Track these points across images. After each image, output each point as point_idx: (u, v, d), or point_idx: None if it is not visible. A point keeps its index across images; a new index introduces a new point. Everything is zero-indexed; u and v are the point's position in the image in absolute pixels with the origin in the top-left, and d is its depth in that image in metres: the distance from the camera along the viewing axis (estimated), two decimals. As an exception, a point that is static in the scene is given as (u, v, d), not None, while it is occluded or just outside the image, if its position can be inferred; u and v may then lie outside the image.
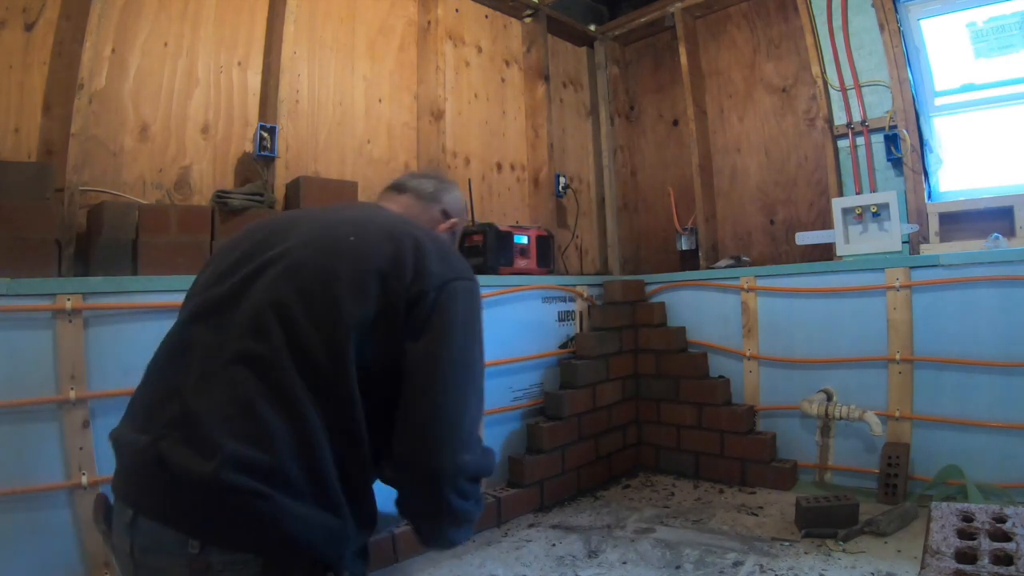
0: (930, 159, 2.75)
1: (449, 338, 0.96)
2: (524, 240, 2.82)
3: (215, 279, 1.00)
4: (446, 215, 1.29)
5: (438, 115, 2.87)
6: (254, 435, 0.83)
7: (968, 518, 1.40)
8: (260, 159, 2.26)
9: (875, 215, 2.65)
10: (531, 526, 2.36)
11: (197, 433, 0.83)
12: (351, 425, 0.89)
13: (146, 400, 0.94)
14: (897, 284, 2.47)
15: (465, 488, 0.95)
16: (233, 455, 0.81)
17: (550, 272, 2.96)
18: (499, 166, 3.26)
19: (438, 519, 0.97)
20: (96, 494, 1.02)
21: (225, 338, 0.91)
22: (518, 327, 2.70)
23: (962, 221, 2.58)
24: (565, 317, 2.94)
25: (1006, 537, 1.30)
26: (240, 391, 0.86)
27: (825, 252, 2.95)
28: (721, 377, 2.93)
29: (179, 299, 1.76)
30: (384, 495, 1.01)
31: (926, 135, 2.75)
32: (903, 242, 2.59)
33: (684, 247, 3.47)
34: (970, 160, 2.72)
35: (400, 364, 0.94)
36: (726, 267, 3.11)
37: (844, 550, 1.97)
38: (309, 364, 0.88)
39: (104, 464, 1.67)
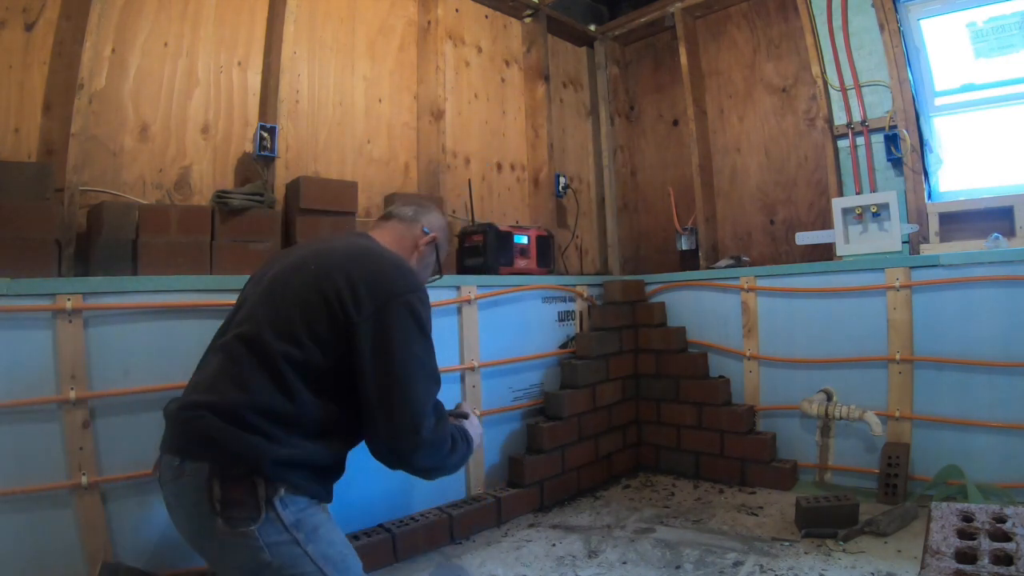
0: (930, 159, 2.75)
1: (390, 340, 1.29)
2: (524, 240, 2.82)
3: (231, 312, 1.45)
4: (426, 232, 1.59)
5: (438, 115, 2.87)
6: (209, 388, 1.25)
7: (968, 518, 1.40)
8: (260, 159, 2.26)
9: (875, 215, 2.65)
10: (531, 526, 2.36)
11: (186, 395, 1.31)
12: (282, 385, 1.24)
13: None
14: (897, 284, 2.47)
15: (422, 440, 1.29)
16: (188, 396, 1.28)
17: (550, 272, 2.96)
18: (499, 166, 3.26)
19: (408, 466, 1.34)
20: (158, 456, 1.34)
21: (217, 339, 1.38)
22: (518, 327, 2.70)
23: (962, 221, 2.58)
24: (565, 317, 2.94)
25: (1006, 537, 1.30)
26: (213, 368, 1.29)
27: (825, 252, 2.95)
28: (721, 377, 2.93)
29: (179, 299, 1.80)
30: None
31: (926, 135, 2.75)
32: (903, 242, 2.59)
33: (684, 247, 3.47)
34: (970, 160, 2.72)
35: (351, 358, 1.28)
36: (726, 267, 3.11)
37: (844, 550, 1.97)
38: (259, 344, 1.25)
39: (105, 464, 1.67)
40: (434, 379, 1.36)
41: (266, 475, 1.18)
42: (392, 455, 1.31)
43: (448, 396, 1.83)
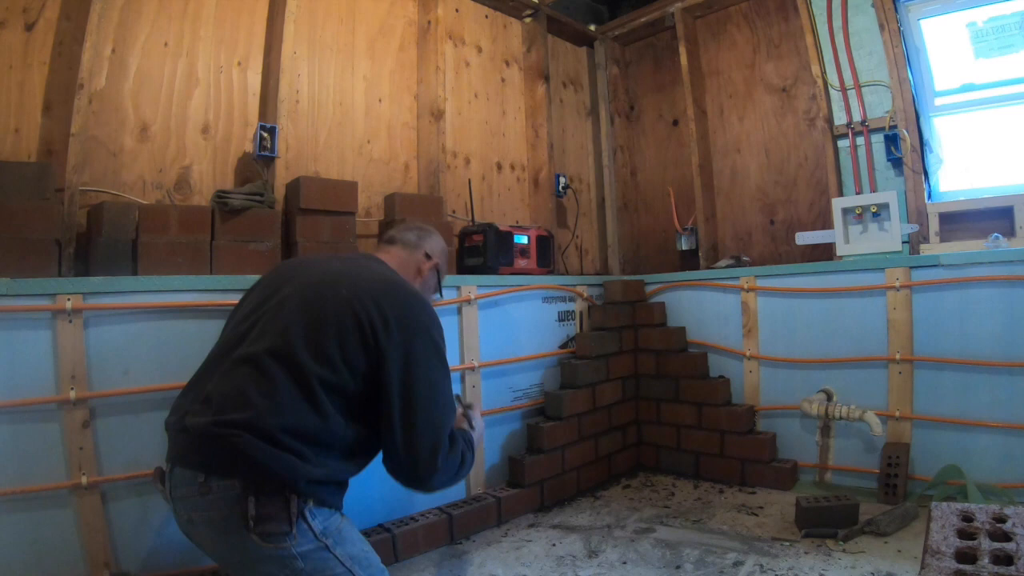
0: (930, 159, 2.74)
1: (415, 373, 1.35)
2: (524, 240, 2.82)
3: (240, 319, 1.43)
4: (428, 257, 1.70)
5: (438, 115, 2.87)
6: (241, 404, 1.24)
7: (968, 518, 1.39)
8: (260, 159, 2.26)
9: (875, 215, 2.65)
10: (531, 526, 2.36)
11: (206, 406, 1.26)
12: (316, 406, 1.27)
13: (183, 398, 1.37)
14: (897, 284, 2.47)
15: (439, 466, 1.37)
16: (220, 412, 1.23)
17: (550, 272, 2.96)
18: (499, 166, 3.26)
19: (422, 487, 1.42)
20: (155, 467, 1.36)
21: (235, 347, 1.35)
22: (518, 327, 2.70)
23: (962, 221, 2.58)
24: (565, 317, 2.94)
25: (1006, 537, 1.29)
26: (239, 381, 1.27)
27: (825, 252, 2.95)
28: (721, 377, 2.93)
29: (179, 299, 1.80)
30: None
31: (926, 135, 2.75)
32: (903, 242, 2.59)
33: (684, 247, 3.46)
34: (970, 160, 2.72)
35: (376, 385, 1.33)
36: (726, 267, 3.11)
37: (844, 550, 1.97)
38: (294, 364, 1.27)
39: (105, 464, 1.67)
40: (452, 408, 1.46)
41: (299, 491, 1.23)
42: (411, 478, 1.38)
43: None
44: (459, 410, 1.63)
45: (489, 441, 2.54)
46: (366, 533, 2.04)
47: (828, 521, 2.11)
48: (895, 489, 2.35)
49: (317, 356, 1.28)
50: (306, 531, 1.24)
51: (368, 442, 1.38)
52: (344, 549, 1.29)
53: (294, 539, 1.22)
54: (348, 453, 1.34)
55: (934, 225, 2.60)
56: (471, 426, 1.60)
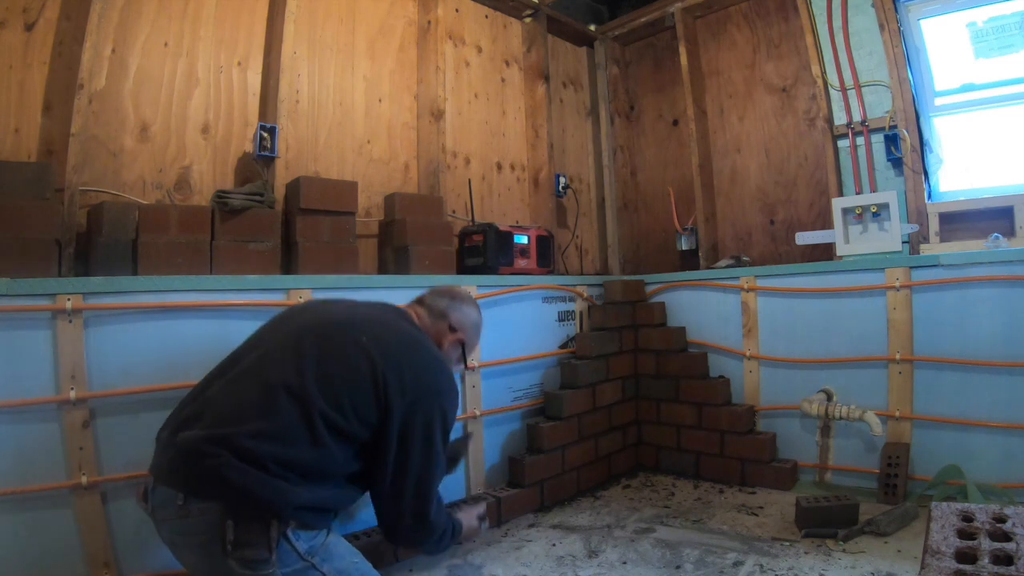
0: (930, 159, 2.74)
1: (413, 438, 1.39)
2: (524, 240, 2.82)
3: (254, 343, 1.47)
4: (452, 329, 1.68)
5: (438, 115, 2.87)
6: (234, 419, 1.24)
7: (968, 518, 1.39)
8: (260, 159, 2.26)
9: (875, 215, 2.65)
10: (531, 526, 2.36)
11: (198, 420, 1.26)
12: (319, 442, 1.29)
13: (179, 412, 1.37)
14: (897, 284, 2.47)
15: (422, 529, 1.44)
16: (213, 426, 1.23)
17: (550, 272, 2.96)
18: (499, 166, 3.26)
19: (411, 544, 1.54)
20: (140, 485, 1.36)
21: (243, 369, 1.36)
22: (518, 327, 2.70)
23: (962, 221, 2.58)
24: (565, 317, 2.94)
25: (1006, 537, 1.29)
26: (238, 400, 1.28)
27: (825, 252, 2.95)
28: (721, 377, 2.93)
29: (179, 299, 1.80)
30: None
31: (926, 135, 2.75)
32: (903, 242, 2.59)
33: (684, 247, 3.46)
34: (970, 160, 2.72)
35: (378, 436, 1.37)
36: (726, 267, 3.11)
37: (844, 550, 1.97)
38: (304, 399, 1.28)
39: (105, 464, 1.67)
40: (443, 470, 1.50)
41: (282, 516, 1.23)
42: (389, 531, 1.45)
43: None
44: (477, 517, 1.79)
45: (489, 441, 2.54)
46: (366, 533, 2.04)
47: (828, 521, 2.11)
48: (895, 489, 2.35)
49: (330, 403, 1.29)
50: (289, 552, 1.24)
51: (366, 477, 1.41)
52: (332, 565, 1.29)
53: (273, 565, 1.21)
54: (346, 482, 1.36)
55: (934, 225, 2.60)
56: (455, 530, 1.61)
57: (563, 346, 2.91)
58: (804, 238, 2.91)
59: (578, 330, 2.99)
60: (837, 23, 2.92)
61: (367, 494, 1.46)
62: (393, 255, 2.54)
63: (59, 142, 1.88)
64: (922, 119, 2.75)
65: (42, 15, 1.91)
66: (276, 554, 1.21)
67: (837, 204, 2.76)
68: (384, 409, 1.35)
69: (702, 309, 3.06)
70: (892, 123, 2.76)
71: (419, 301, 1.72)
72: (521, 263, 2.79)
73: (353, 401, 1.32)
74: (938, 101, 2.79)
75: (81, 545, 1.62)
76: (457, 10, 3.11)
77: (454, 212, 2.94)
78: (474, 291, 2.51)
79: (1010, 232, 2.43)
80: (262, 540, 1.19)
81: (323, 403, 1.28)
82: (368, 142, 2.71)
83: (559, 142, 3.54)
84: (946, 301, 2.38)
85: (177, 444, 1.24)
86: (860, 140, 2.88)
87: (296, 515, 1.24)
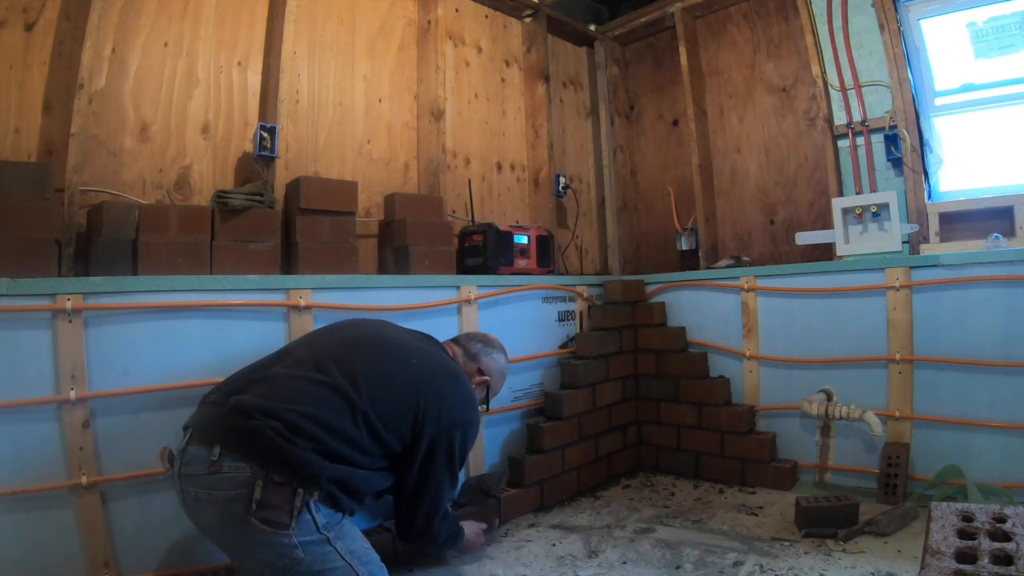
0: (930, 159, 2.74)
1: (436, 460, 1.60)
2: (524, 240, 2.82)
3: (304, 344, 1.65)
4: (481, 372, 1.89)
5: (438, 115, 2.87)
6: (285, 399, 1.37)
7: (968, 518, 1.39)
8: (260, 159, 2.26)
9: (875, 215, 2.65)
10: (531, 526, 2.36)
11: (257, 394, 1.39)
12: (349, 436, 1.43)
13: (228, 383, 1.50)
14: (897, 284, 2.47)
15: (429, 533, 1.68)
16: (270, 399, 1.37)
17: (550, 272, 2.96)
18: (499, 166, 3.26)
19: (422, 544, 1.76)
20: (162, 448, 1.45)
21: (298, 362, 1.52)
22: (518, 327, 2.70)
23: (962, 221, 2.58)
24: (565, 317, 2.94)
25: (1006, 537, 1.29)
26: (298, 391, 1.41)
27: (825, 252, 2.95)
28: (721, 377, 2.93)
29: (179, 299, 1.81)
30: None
31: (926, 135, 2.75)
32: (903, 242, 2.59)
33: (684, 247, 3.46)
34: (970, 160, 2.72)
35: (405, 448, 1.56)
36: (726, 267, 3.11)
37: (844, 550, 1.97)
38: (354, 403, 1.44)
39: (104, 464, 1.67)
40: (455, 487, 1.76)
41: (309, 484, 1.32)
42: (402, 531, 1.69)
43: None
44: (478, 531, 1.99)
45: (489, 441, 2.54)
46: (367, 533, 2.04)
47: (828, 521, 2.11)
48: (895, 489, 2.35)
49: (373, 407, 1.46)
50: (308, 522, 1.30)
51: (391, 474, 1.58)
52: (345, 544, 1.35)
53: (292, 531, 1.28)
54: (372, 474, 1.50)
55: (934, 225, 2.60)
56: (458, 537, 1.84)
57: (563, 346, 2.91)
58: (804, 238, 2.91)
59: (578, 330, 2.99)
60: (837, 23, 2.92)
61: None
62: (393, 255, 2.54)
63: (59, 142, 1.88)
64: (922, 119, 2.75)
65: (42, 15, 1.91)
66: (297, 522, 1.28)
67: (837, 204, 2.76)
68: (418, 432, 1.54)
69: (702, 309, 3.06)
70: (892, 123, 2.76)
71: (455, 340, 1.93)
72: (521, 263, 2.79)
73: (394, 417, 1.50)
74: (938, 101, 2.79)
75: (81, 545, 1.62)
76: (457, 10, 3.11)
77: (454, 212, 2.94)
78: (474, 291, 2.51)
79: (1010, 232, 2.43)
80: (286, 506, 1.27)
81: (369, 410, 1.44)
82: (368, 142, 2.71)
83: (559, 142, 3.54)
84: (946, 301, 2.38)
85: (230, 404, 1.35)
86: (860, 140, 2.88)
87: (325, 486, 1.33)
